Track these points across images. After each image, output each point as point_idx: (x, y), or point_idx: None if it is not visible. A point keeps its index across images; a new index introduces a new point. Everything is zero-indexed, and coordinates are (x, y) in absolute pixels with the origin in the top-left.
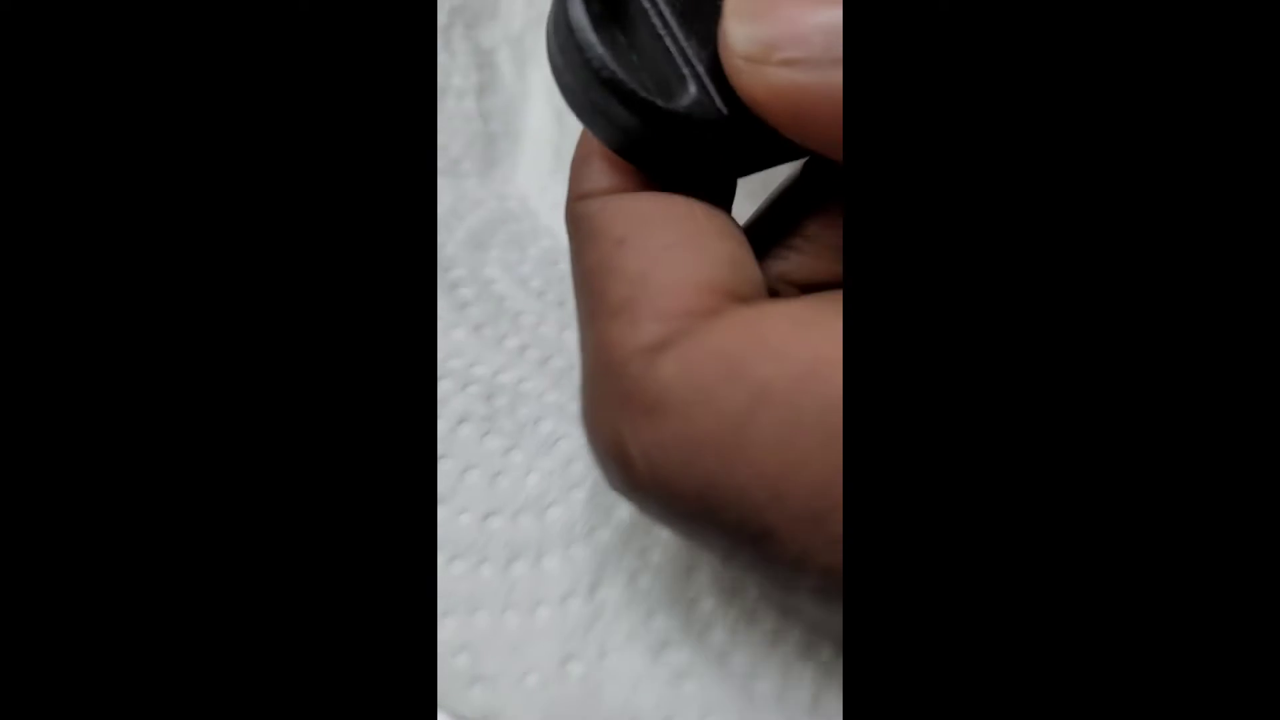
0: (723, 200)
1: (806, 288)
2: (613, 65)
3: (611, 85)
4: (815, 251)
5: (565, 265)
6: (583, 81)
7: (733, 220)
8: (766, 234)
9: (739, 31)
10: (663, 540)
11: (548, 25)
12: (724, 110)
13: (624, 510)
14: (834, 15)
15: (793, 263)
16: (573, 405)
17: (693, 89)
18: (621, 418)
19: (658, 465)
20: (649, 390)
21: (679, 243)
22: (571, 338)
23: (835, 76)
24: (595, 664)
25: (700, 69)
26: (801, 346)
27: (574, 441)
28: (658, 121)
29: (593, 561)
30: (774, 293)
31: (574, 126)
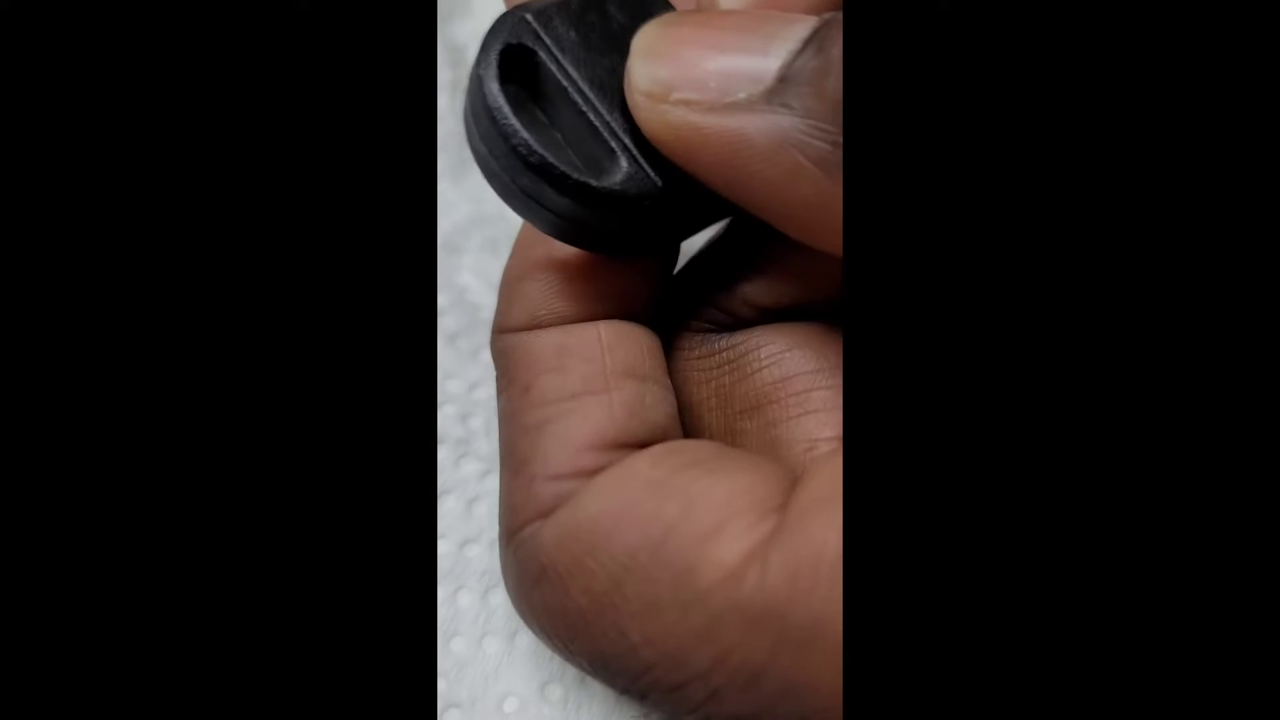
0: (667, 261)
1: (769, 312)
2: (539, 149)
3: (541, 170)
4: (778, 275)
5: None
6: (509, 168)
7: (650, 333)
8: (728, 259)
9: (641, 70)
10: None
11: (465, 113)
12: (658, 182)
13: None
14: (732, 61)
15: (758, 286)
16: None
17: (624, 163)
18: (516, 584)
19: (548, 632)
20: (535, 560)
21: (580, 391)
22: None
23: (727, 120)
24: (575, 687)
25: (628, 141)
26: (660, 516)
27: None
28: (593, 201)
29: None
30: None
31: None
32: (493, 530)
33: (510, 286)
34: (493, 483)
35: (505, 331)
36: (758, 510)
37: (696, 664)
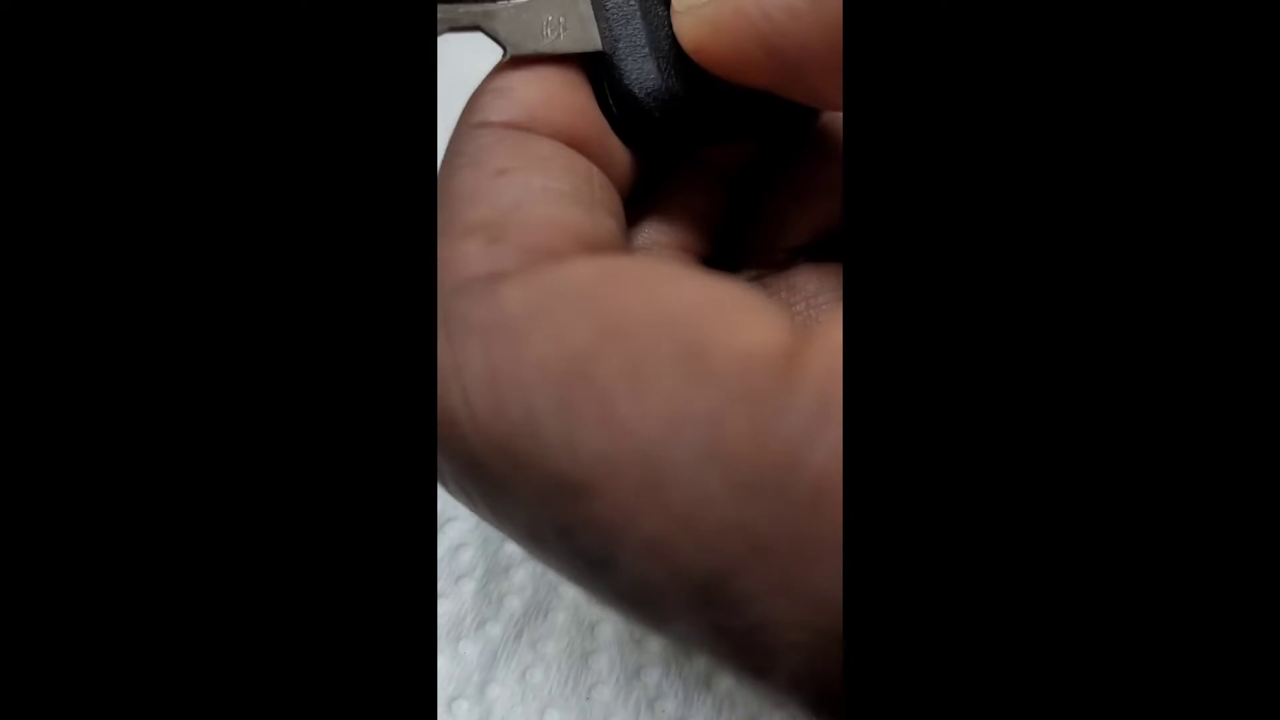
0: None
1: (799, 250)
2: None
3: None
4: (804, 205)
5: None
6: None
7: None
8: (754, 204)
9: None
10: (558, 627)
11: None
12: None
13: (516, 600)
14: None
15: (786, 224)
16: None
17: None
18: (448, 344)
19: (477, 396)
20: (485, 313)
21: (562, 190)
22: None
23: (741, 10)
24: None
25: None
26: (664, 290)
27: (463, 525)
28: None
29: (483, 658)
30: None
31: None
32: None
33: (497, 92)
34: None
35: (483, 126)
36: (779, 314)
37: (671, 452)
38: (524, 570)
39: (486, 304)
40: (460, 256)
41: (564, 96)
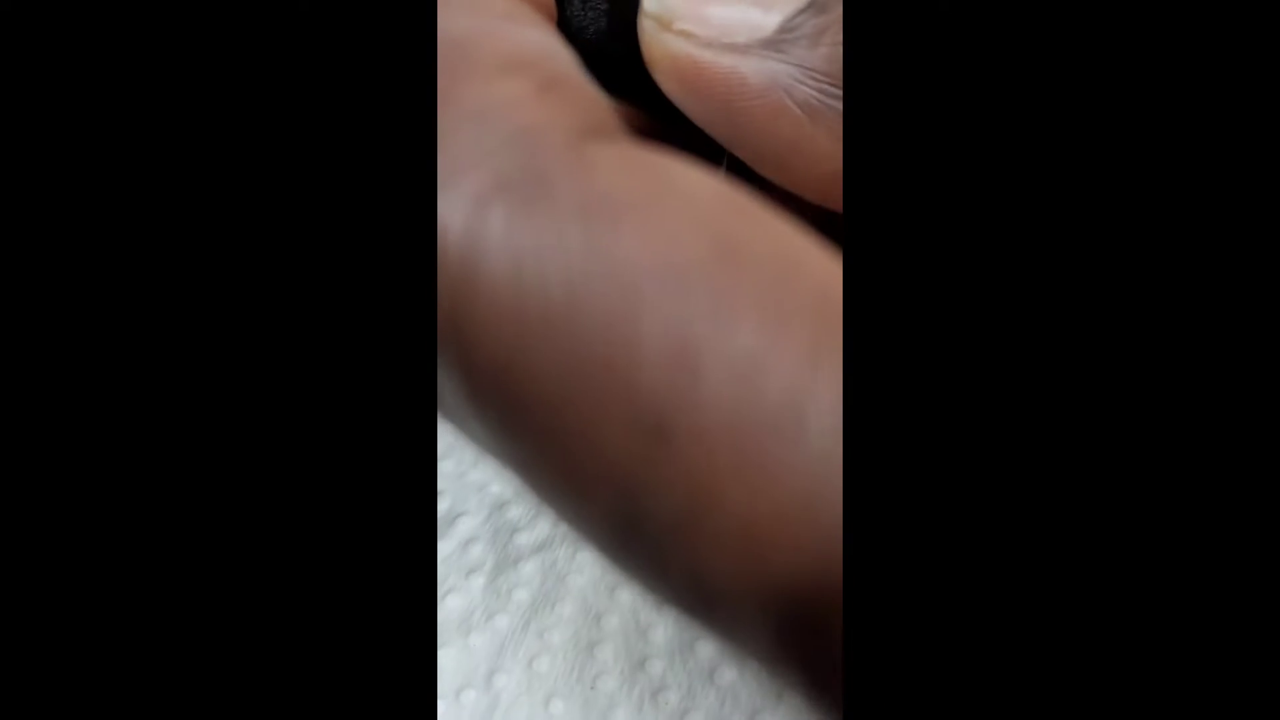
0: None
1: None
2: None
3: None
4: None
5: None
6: None
7: None
8: None
9: None
10: (565, 618)
11: None
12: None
13: (524, 592)
14: (735, 11)
15: None
16: (473, 474)
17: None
18: (502, 205)
19: (558, 284)
20: (575, 183)
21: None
22: None
23: (723, 58)
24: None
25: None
26: (792, 238)
27: (474, 520)
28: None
29: (490, 649)
30: None
31: None
32: None
33: None
34: None
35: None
36: None
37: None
38: (533, 563)
39: (576, 171)
40: (504, 96)
41: None
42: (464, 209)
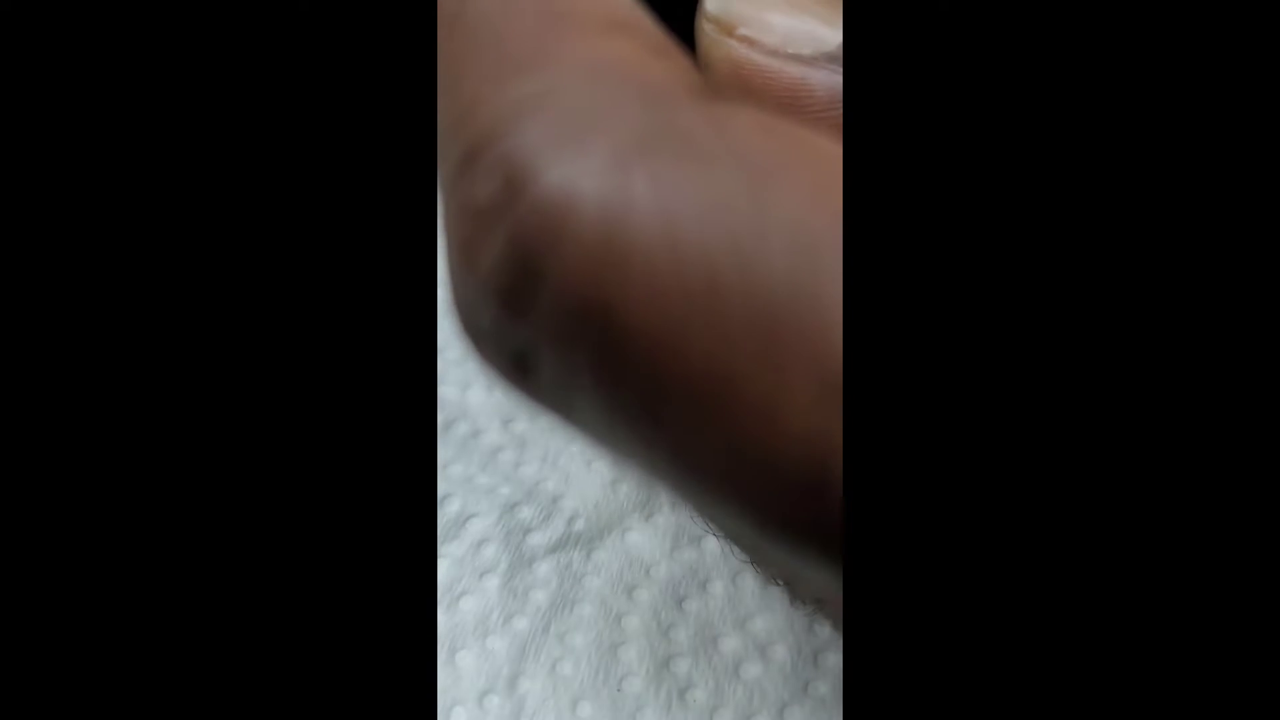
0: None
1: None
2: None
3: None
4: None
5: None
6: None
7: None
8: None
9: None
10: (585, 620)
11: None
12: None
13: (541, 593)
14: (798, 23)
15: None
16: (481, 478)
17: None
18: (656, 156)
19: (721, 241)
20: (718, 142)
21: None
22: (476, 398)
23: (790, 67)
24: None
25: None
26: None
27: (484, 521)
28: None
29: (511, 652)
30: None
31: None
32: None
33: None
34: None
35: None
36: None
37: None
38: (548, 564)
39: (719, 130)
40: (619, 54)
41: None
42: (601, 171)
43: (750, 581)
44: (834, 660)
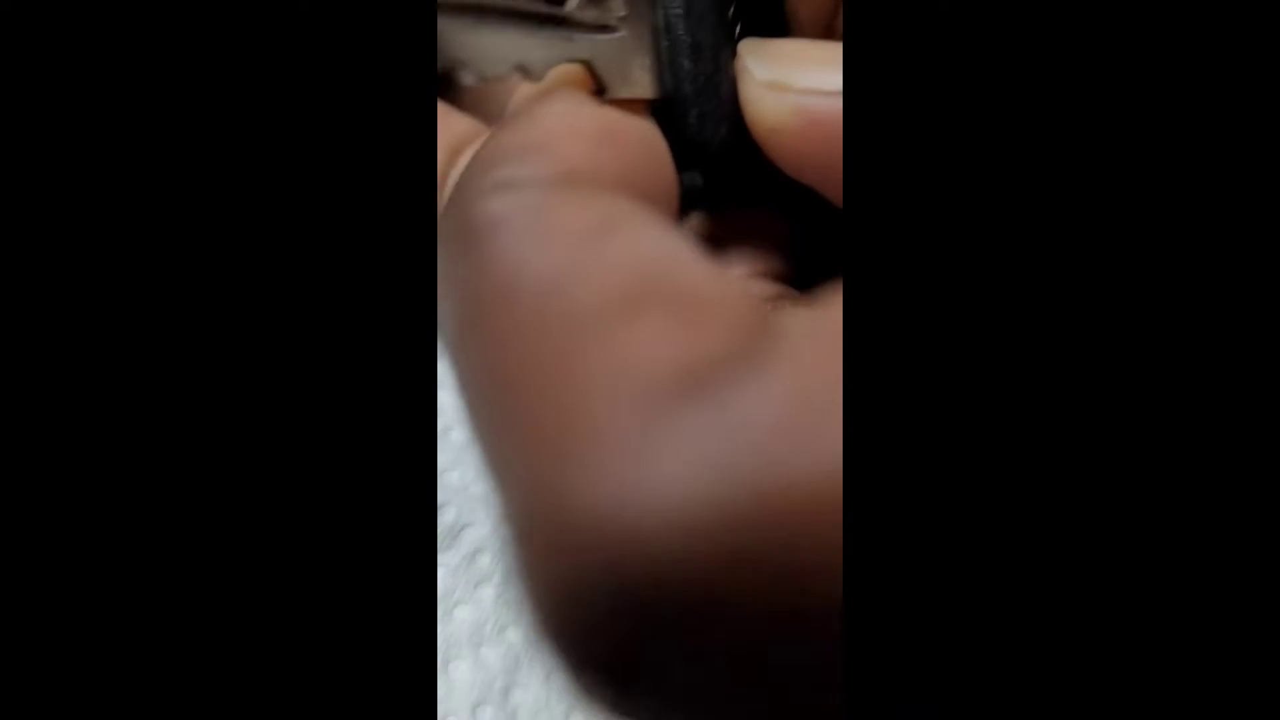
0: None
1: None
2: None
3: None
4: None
5: None
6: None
7: None
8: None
9: (760, 66)
10: None
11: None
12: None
13: None
14: (830, 69)
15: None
16: (476, 487)
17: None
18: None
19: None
20: (743, 432)
21: (679, 240)
22: None
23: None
24: None
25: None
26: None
27: (480, 530)
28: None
29: (505, 663)
30: None
31: None
32: None
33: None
34: None
35: (524, 184)
36: None
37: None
38: None
39: (742, 403)
40: (641, 343)
41: (610, 146)
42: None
43: None
44: None
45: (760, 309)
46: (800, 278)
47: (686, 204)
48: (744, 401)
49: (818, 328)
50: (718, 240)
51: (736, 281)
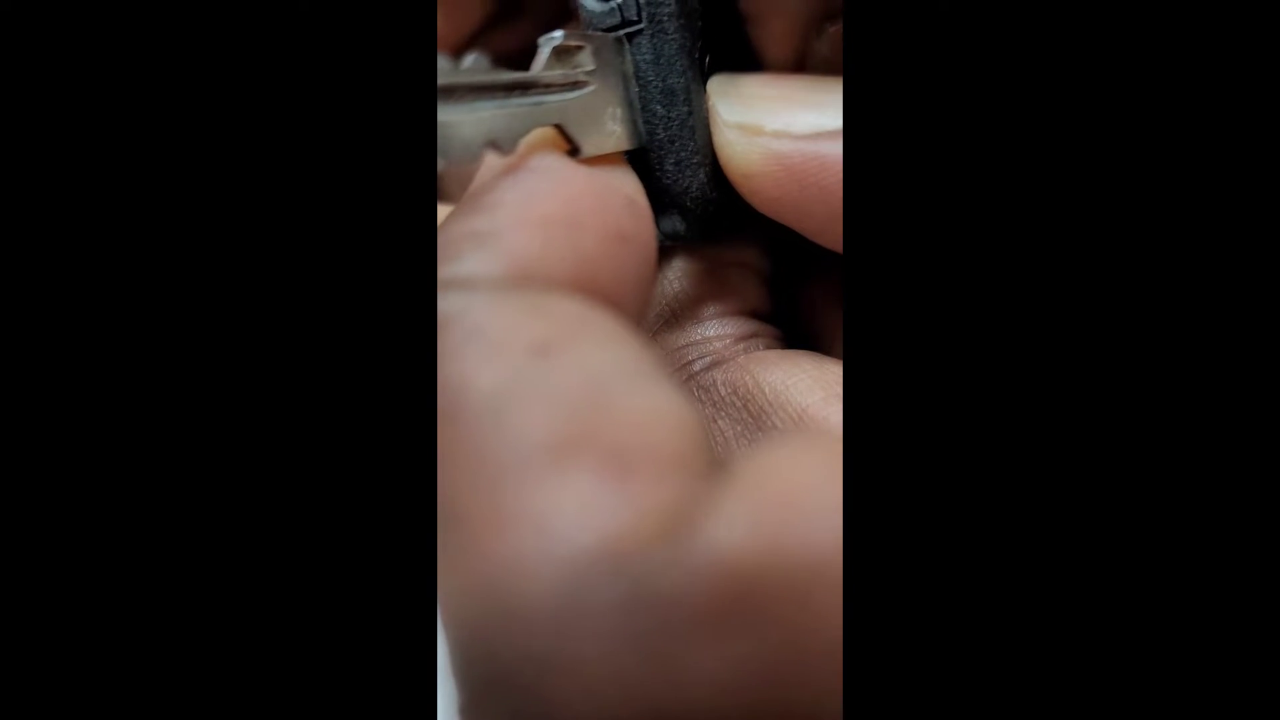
0: None
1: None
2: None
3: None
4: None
5: None
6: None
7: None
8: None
9: (730, 108)
10: None
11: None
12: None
13: None
14: (814, 117)
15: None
16: None
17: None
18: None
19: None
20: (677, 609)
21: (639, 364)
22: None
23: (817, 145)
24: None
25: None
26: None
27: None
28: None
29: None
30: None
31: None
32: None
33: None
34: None
35: (475, 285)
36: None
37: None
38: None
39: (662, 584)
40: (566, 504)
41: (566, 233)
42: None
43: None
44: None
45: (703, 445)
46: (778, 312)
47: (666, 247)
48: (664, 582)
49: (761, 482)
50: (696, 278)
51: (682, 408)
